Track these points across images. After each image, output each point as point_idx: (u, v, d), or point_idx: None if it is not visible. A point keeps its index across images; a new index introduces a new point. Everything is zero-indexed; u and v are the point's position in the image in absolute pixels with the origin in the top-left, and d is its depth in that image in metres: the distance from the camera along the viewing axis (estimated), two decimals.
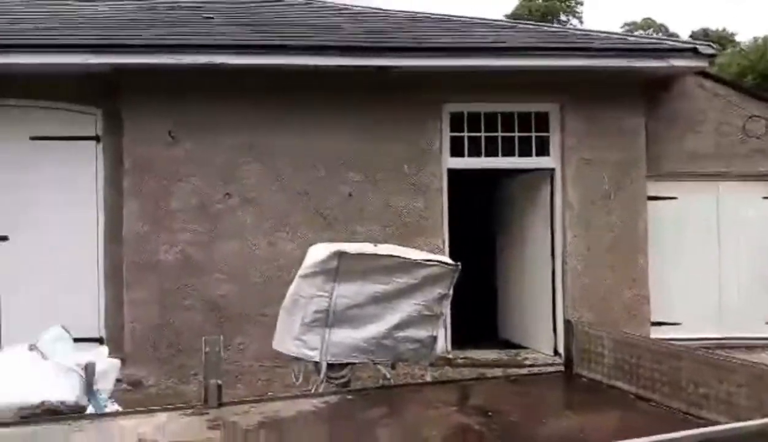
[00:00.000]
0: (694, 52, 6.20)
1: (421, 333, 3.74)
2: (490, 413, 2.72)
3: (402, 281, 3.63)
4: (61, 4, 8.05)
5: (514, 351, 6.84)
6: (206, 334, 5.79)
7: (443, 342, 3.95)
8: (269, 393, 5.12)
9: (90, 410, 3.10)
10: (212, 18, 7.19)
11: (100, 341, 6.14)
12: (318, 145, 6.19)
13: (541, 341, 6.68)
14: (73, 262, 6.25)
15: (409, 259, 3.69)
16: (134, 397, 4.84)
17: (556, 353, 6.26)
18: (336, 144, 6.21)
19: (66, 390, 3.01)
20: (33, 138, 6.26)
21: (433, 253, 5.04)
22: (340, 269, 3.57)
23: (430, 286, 3.70)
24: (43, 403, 2.91)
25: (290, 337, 3.78)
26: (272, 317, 5.72)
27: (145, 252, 6.04)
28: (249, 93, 6.15)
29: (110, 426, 2.76)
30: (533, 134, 6.58)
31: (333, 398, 3.27)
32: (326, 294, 3.64)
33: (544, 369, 5.74)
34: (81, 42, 5.89)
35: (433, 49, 6.40)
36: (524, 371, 6.13)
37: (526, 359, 6.57)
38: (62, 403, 2.96)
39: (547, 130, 6.57)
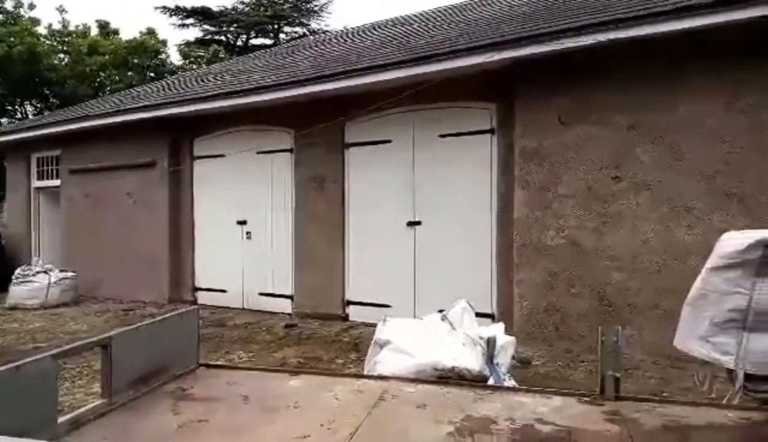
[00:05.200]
0: None
1: None
2: None
3: None
4: (458, 12, 9.00)
5: None
6: (592, 322, 5.74)
7: None
8: (664, 394, 4.65)
9: (490, 381, 3.35)
10: None
11: (491, 317, 6.66)
12: (720, 115, 5.33)
13: None
14: (470, 243, 6.94)
15: None
16: (524, 374, 5.04)
17: None
18: (750, 110, 5.22)
19: (472, 359, 3.32)
20: (441, 135, 7.18)
21: None
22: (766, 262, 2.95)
23: None
24: (453, 368, 3.28)
25: (695, 337, 3.31)
26: (667, 310, 5.24)
27: (533, 236, 6.26)
28: (634, 69, 5.73)
29: (510, 400, 2.92)
30: None
31: (756, 415, 2.74)
32: (744, 291, 3.05)
33: None
34: (483, 43, 6.36)
35: None
36: None
37: None
38: (468, 371, 3.28)
39: None
